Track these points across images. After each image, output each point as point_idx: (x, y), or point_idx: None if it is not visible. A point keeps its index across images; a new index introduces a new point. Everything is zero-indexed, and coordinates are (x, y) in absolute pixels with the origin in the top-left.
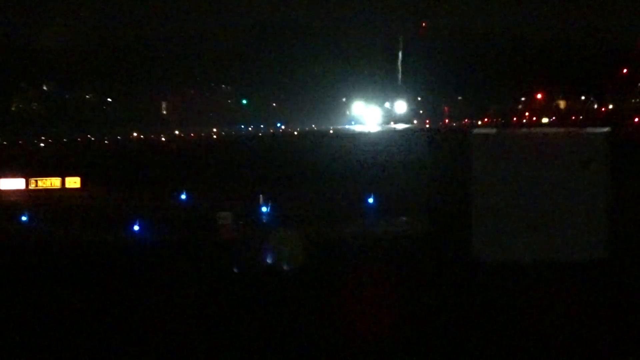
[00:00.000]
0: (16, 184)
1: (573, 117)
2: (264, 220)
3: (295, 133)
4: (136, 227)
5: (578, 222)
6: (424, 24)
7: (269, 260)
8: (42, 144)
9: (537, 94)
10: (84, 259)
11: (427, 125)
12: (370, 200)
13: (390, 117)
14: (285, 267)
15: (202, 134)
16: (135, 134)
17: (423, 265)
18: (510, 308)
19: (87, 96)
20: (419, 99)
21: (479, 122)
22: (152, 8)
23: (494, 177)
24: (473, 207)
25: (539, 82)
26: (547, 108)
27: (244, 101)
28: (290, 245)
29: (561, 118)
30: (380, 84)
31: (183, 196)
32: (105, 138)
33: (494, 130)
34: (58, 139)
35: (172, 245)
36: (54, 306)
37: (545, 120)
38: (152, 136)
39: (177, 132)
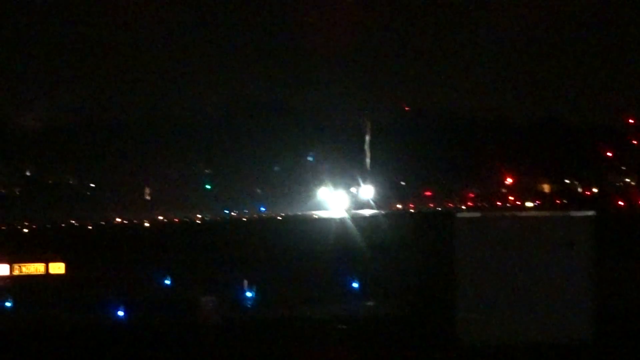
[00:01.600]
0: (0, 269)
1: (558, 201)
2: (248, 305)
3: (279, 218)
4: (120, 312)
5: (563, 303)
6: (406, 108)
7: None
8: (25, 229)
9: (520, 177)
10: (70, 342)
11: (411, 210)
12: (354, 284)
13: (356, 202)
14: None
15: (186, 219)
16: (118, 219)
17: (407, 347)
18: None
19: (70, 181)
20: (402, 183)
21: (462, 207)
22: (132, 91)
23: (478, 260)
24: (457, 288)
25: (523, 165)
26: (531, 191)
27: (208, 186)
28: None
29: (546, 201)
30: (347, 169)
31: (167, 281)
32: (89, 223)
33: (478, 214)
34: (41, 224)
35: (156, 329)
36: None
37: (529, 204)
38: (135, 221)
39: (160, 217)
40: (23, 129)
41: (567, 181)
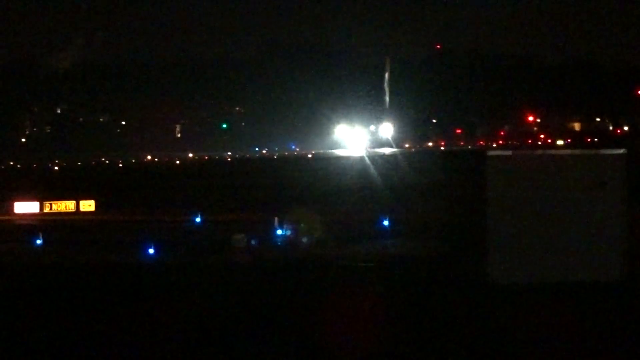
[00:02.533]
0: (30, 207)
1: (588, 139)
2: (279, 243)
3: (310, 156)
4: (151, 250)
5: (594, 243)
6: (438, 46)
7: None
8: (55, 168)
9: (551, 115)
10: (99, 281)
11: (442, 147)
12: (385, 222)
13: (376, 141)
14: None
15: (216, 157)
16: (149, 157)
17: (438, 287)
18: (526, 330)
19: (100, 119)
20: (434, 120)
21: (494, 145)
22: (163, 30)
23: (509, 199)
24: (488, 229)
25: (554, 104)
26: (561, 130)
27: (224, 125)
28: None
29: (576, 140)
30: (367, 107)
31: (197, 219)
32: (119, 161)
33: (509, 152)
34: (72, 163)
35: (187, 268)
36: (70, 329)
37: (560, 142)
38: (166, 159)
39: (190, 154)
40: (54, 67)
41: (597, 119)
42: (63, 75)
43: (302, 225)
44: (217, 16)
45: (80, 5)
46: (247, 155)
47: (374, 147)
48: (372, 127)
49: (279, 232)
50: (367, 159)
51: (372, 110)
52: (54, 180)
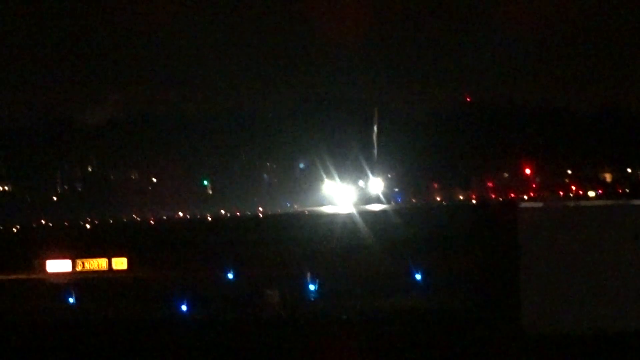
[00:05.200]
0: (63, 265)
1: (620, 190)
2: (311, 298)
3: (335, 212)
4: (184, 307)
5: (629, 292)
6: (468, 99)
7: None
8: (87, 225)
9: (582, 166)
10: (133, 337)
11: (474, 200)
12: (417, 275)
13: (364, 196)
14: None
15: (248, 213)
16: (180, 214)
17: (472, 339)
18: None
19: (132, 176)
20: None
21: (525, 196)
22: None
23: (542, 250)
24: (522, 280)
25: (584, 155)
26: (592, 180)
27: (205, 182)
28: None
29: (608, 191)
30: (354, 161)
31: (230, 275)
32: (151, 218)
33: (541, 204)
34: (104, 220)
35: (221, 323)
36: None
37: (591, 193)
38: (198, 216)
39: (222, 211)
40: (85, 125)
41: (629, 170)
42: (94, 132)
43: (330, 279)
44: (252, 71)
45: (112, 63)
46: (279, 212)
47: (364, 203)
48: (361, 183)
49: (312, 287)
50: (403, 213)
51: (362, 163)
52: (86, 238)
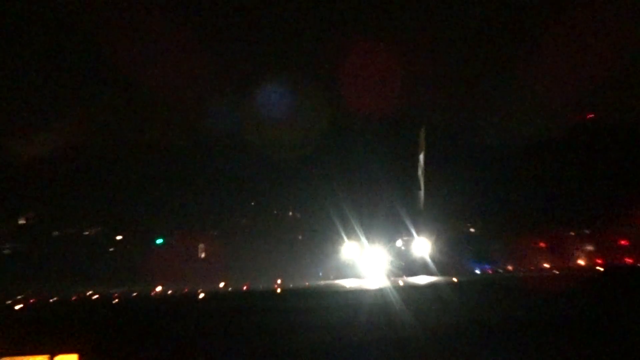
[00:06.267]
0: None
1: None
2: None
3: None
4: None
5: None
6: (588, 116)
7: None
8: (17, 307)
9: None
10: None
11: (600, 267)
12: None
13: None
14: None
15: (260, 287)
16: (158, 289)
17: None
18: None
19: (85, 232)
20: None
21: None
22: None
23: None
24: None
25: None
26: None
27: (159, 241)
28: None
29: None
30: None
31: None
32: (114, 294)
33: None
34: (42, 298)
35: None
36: None
37: None
38: (185, 290)
39: (222, 284)
40: (15, 160)
41: None
42: (24, 169)
43: None
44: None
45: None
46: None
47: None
48: (400, 242)
49: None
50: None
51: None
52: (15, 326)
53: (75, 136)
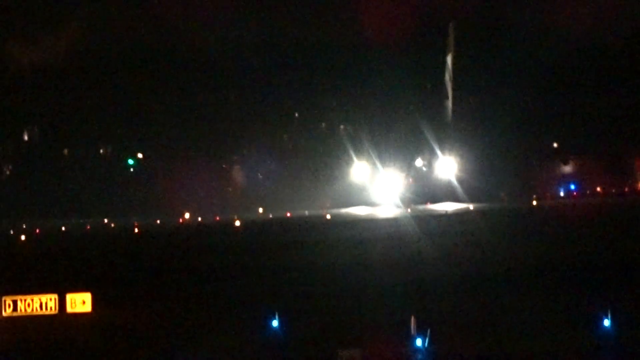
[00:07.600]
0: None
1: None
2: (418, 358)
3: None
4: None
5: None
6: None
7: None
8: (22, 237)
9: None
10: None
11: None
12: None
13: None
14: None
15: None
16: (186, 216)
17: None
18: None
19: (100, 150)
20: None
21: None
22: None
23: None
24: None
25: None
26: None
27: (130, 161)
28: None
29: None
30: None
31: (274, 322)
32: (135, 224)
33: None
34: (50, 228)
35: None
36: None
37: None
38: (217, 219)
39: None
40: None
41: None
42: (31, 81)
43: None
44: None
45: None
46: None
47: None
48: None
49: (418, 342)
50: None
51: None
52: (19, 261)
53: (88, 40)
